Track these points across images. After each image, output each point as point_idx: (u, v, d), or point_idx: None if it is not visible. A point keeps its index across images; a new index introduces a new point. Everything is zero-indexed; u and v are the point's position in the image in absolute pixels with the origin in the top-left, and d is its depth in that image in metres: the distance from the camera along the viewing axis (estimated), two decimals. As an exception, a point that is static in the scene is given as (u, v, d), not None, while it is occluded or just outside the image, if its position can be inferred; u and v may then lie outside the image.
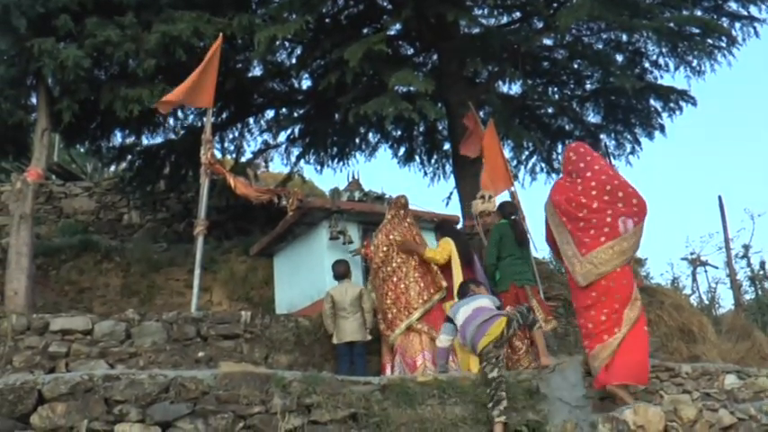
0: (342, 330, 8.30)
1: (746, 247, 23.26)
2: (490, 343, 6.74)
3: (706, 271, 23.39)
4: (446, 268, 8.54)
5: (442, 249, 8.58)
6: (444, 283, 8.46)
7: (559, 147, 15.63)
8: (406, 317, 8.27)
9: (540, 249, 9.87)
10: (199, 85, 9.33)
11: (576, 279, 6.81)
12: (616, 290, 6.71)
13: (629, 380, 6.55)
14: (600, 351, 6.61)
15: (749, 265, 23.51)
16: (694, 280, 23.36)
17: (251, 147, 15.87)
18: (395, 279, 8.53)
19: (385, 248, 8.68)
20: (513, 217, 9.03)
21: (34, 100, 11.07)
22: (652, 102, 14.55)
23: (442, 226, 9.30)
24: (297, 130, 15.34)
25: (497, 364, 6.58)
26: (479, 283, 8.02)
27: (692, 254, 23.28)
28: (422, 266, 8.58)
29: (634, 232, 6.84)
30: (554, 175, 15.40)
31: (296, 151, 15.68)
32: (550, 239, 7.35)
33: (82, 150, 17.01)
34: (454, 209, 13.94)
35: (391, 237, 8.72)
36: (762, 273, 24.01)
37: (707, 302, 21.90)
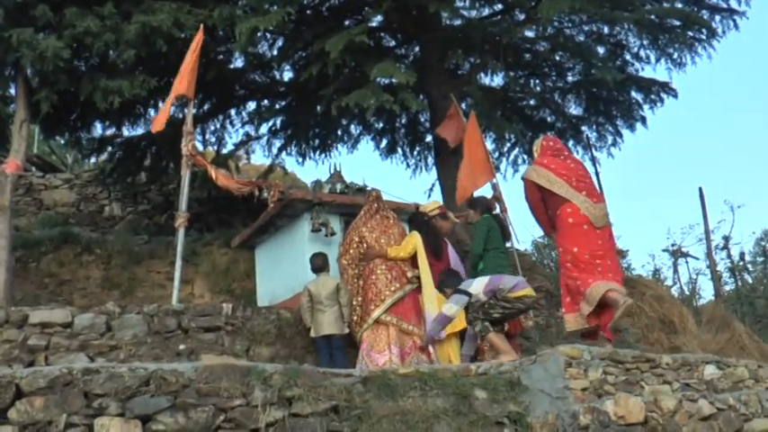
0: (319, 324, 8.26)
1: (726, 239, 23.50)
2: (525, 296, 7.62)
3: (687, 262, 23.59)
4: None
5: (406, 244, 8.66)
6: (411, 274, 8.51)
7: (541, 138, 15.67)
8: (375, 308, 8.27)
9: (521, 242, 10.05)
10: (180, 76, 9.30)
11: (594, 221, 7.49)
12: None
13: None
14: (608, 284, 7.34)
15: (729, 256, 23.77)
16: (675, 271, 23.56)
17: (232, 138, 15.88)
18: (366, 272, 8.56)
19: (355, 245, 8.71)
20: (494, 212, 9.18)
21: (13, 91, 10.98)
22: (633, 94, 14.63)
23: (413, 219, 9.33)
24: (278, 122, 15.30)
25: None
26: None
27: (673, 245, 23.46)
28: (389, 260, 8.63)
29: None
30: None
31: (278, 143, 15.66)
32: (538, 201, 8.00)
33: (62, 142, 16.89)
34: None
35: (362, 231, 8.77)
36: (741, 264, 24.25)
37: (688, 293, 22.10)
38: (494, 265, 8.46)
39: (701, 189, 19.07)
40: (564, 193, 7.51)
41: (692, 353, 10.03)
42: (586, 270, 7.41)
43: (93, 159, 16.55)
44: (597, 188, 7.72)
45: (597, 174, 15.05)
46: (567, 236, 7.49)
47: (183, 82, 9.31)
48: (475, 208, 9.23)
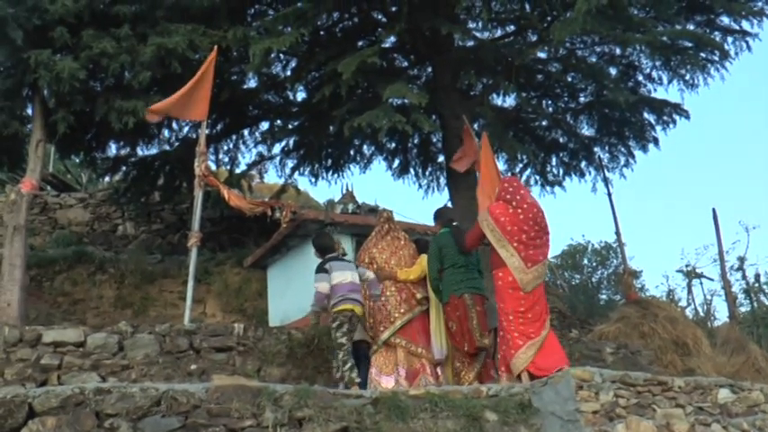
0: None
1: (741, 260, 23.28)
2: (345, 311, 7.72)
3: (701, 283, 23.41)
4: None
5: (416, 267, 8.62)
6: (420, 296, 8.50)
7: (553, 159, 15.66)
8: (385, 330, 8.24)
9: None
10: (192, 97, 9.35)
11: (522, 286, 7.69)
12: (542, 299, 7.92)
13: (563, 364, 7.38)
14: (529, 348, 7.48)
15: (744, 277, 23.53)
16: (690, 292, 23.38)
17: (245, 158, 15.87)
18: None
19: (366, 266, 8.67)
20: (454, 223, 8.84)
21: (30, 111, 11.11)
22: (645, 115, 14.57)
23: (418, 241, 9.25)
24: (291, 142, 15.33)
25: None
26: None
27: (687, 266, 23.28)
28: (399, 282, 8.61)
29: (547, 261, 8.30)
30: (548, 188, 15.46)
31: (290, 163, 15.68)
32: (477, 242, 8.25)
33: (77, 161, 17.03)
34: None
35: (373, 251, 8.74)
36: (757, 285, 24.03)
37: (702, 315, 21.93)
38: (448, 284, 8.24)
39: (714, 210, 18.97)
40: (503, 255, 7.73)
41: (706, 375, 9.97)
42: (517, 321, 7.63)
43: (107, 179, 16.67)
44: (544, 238, 7.94)
45: (609, 195, 15.07)
46: (498, 294, 7.84)
47: (201, 106, 9.36)
48: (435, 221, 9.08)
